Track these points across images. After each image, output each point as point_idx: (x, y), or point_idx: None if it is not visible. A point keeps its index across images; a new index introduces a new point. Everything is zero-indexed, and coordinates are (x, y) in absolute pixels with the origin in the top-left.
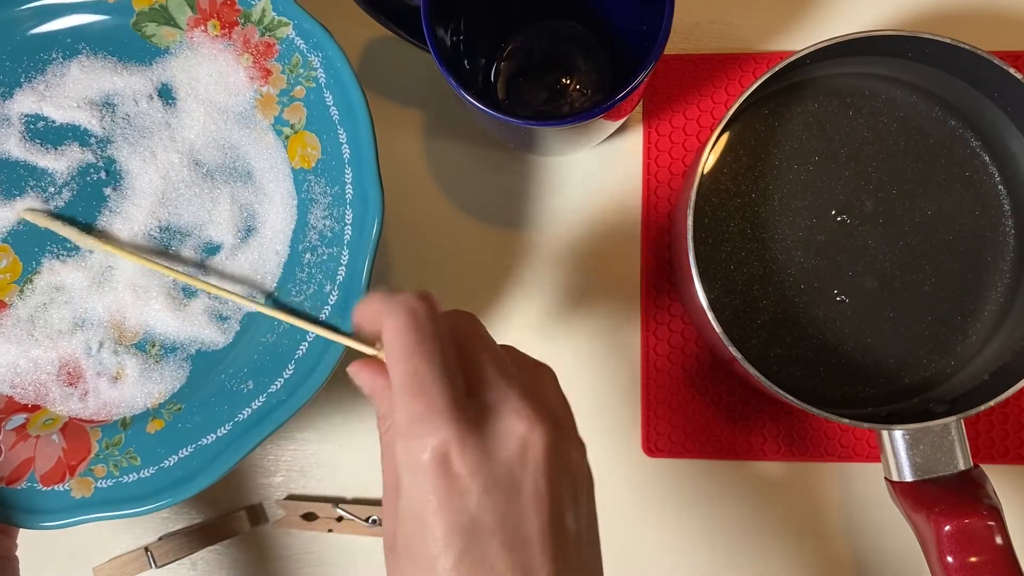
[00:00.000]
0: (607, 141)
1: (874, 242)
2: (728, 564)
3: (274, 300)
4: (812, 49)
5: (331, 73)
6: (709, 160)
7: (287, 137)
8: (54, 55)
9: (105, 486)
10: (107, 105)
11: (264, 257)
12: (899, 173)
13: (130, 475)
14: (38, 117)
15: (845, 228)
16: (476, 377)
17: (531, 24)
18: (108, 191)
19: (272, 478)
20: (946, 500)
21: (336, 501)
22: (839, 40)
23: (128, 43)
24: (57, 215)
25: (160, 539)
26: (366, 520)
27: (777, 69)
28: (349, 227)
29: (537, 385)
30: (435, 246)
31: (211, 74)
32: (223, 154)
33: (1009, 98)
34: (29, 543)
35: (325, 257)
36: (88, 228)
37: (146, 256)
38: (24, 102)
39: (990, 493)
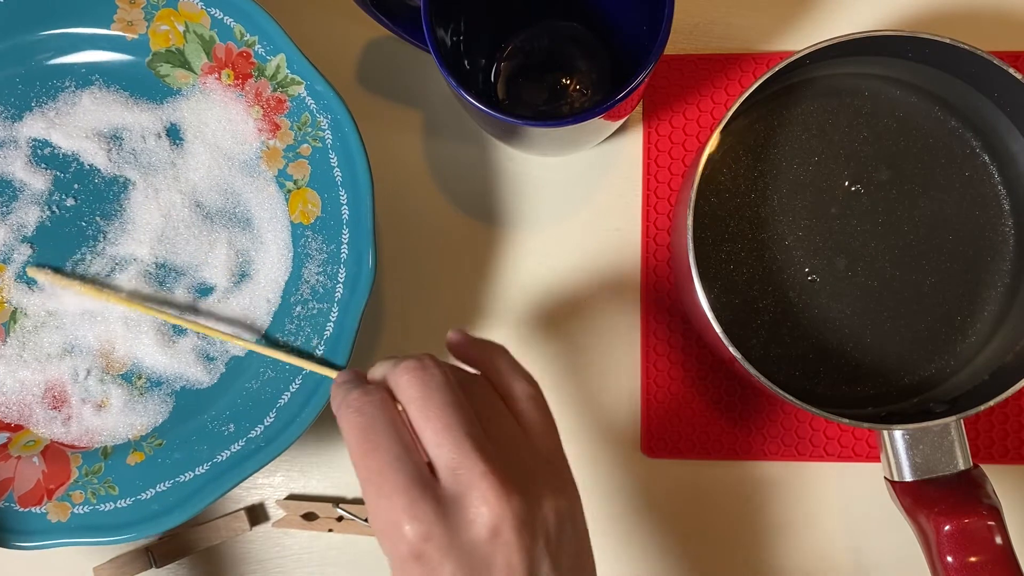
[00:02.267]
0: (607, 141)
1: (874, 242)
2: (728, 564)
3: (264, 343)
4: (812, 49)
5: (338, 135)
6: (709, 160)
7: (289, 191)
8: (67, 83)
9: (82, 512)
10: (115, 138)
11: (255, 303)
12: (899, 173)
13: (107, 504)
14: (45, 143)
15: (845, 228)
16: (438, 453)
17: (531, 24)
18: (106, 223)
19: (272, 478)
20: (946, 500)
21: (336, 501)
22: (839, 40)
23: (141, 80)
24: (60, 271)
25: (160, 539)
26: (366, 520)
27: (777, 69)
28: (341, 285)
29: (518, 417)
30: (434, 246)
31: (220, 120)
32: (224, 199)
33: (1009, 98)
34: None
35: (315, 311)
36: (90, 280)
37: (142, 303)
38: (34, 126)
39: (990, 493)
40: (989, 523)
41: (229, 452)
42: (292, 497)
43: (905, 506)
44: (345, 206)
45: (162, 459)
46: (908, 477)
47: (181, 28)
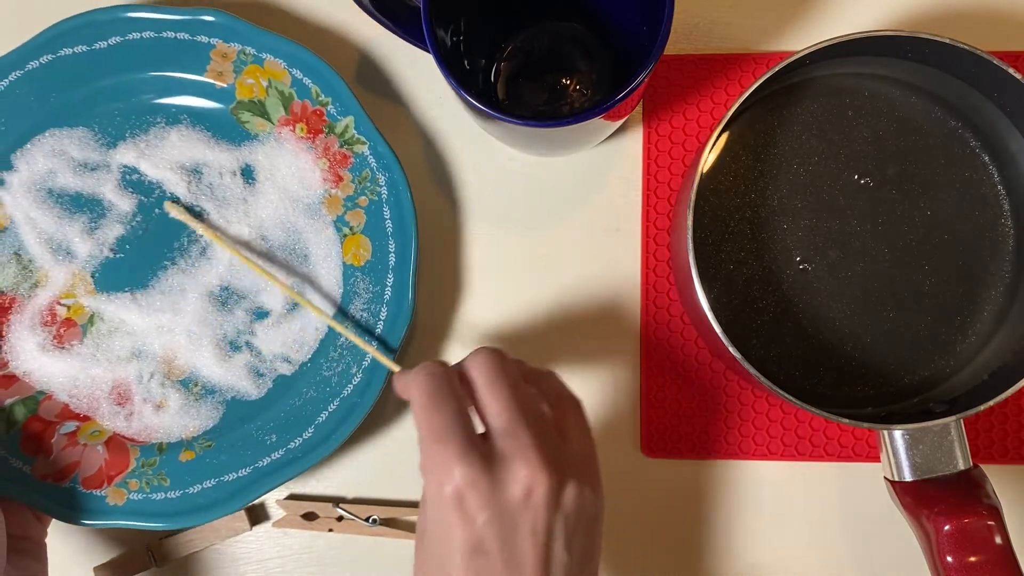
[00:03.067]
0: (607, 141)
1: (874, 242)
2: (728, 564)
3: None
4: (812, 49)
5: (393, 192)
6: (709, 160)
7: (345, 235)
8: (159, 120)
9: (136, 499)
10: (195, 172)
11: (305, 330)
12: (899, 173)
13: (159, 494)
14: (134, 170)
15: (845, 228)
16: (496, 422)
17: (531, 24)
18: (188, 244)
19: None
20: (946, 500)
21: (336, 501)
22: (839, 40)
23: (224, 124)
24: (189, 209)
25: (160, 539)
26: (366, 520)
27: (777, 69)
28: (382, 323)
29: (560, 424)
30: (434, 246)
31: (290, 166)
32: (287, 235)
33: (1009, 98)
34: None
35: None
36: (208, 223)
37: (248, 257)
38: (126, 155)
39: (990, 493)
40: (989, 523)
41: (270, 459)
42: (292, 497)
43: (905, 506)
44: (392, 253)
45: (210, 459)
46: (908, 477)
47: (264, 83)
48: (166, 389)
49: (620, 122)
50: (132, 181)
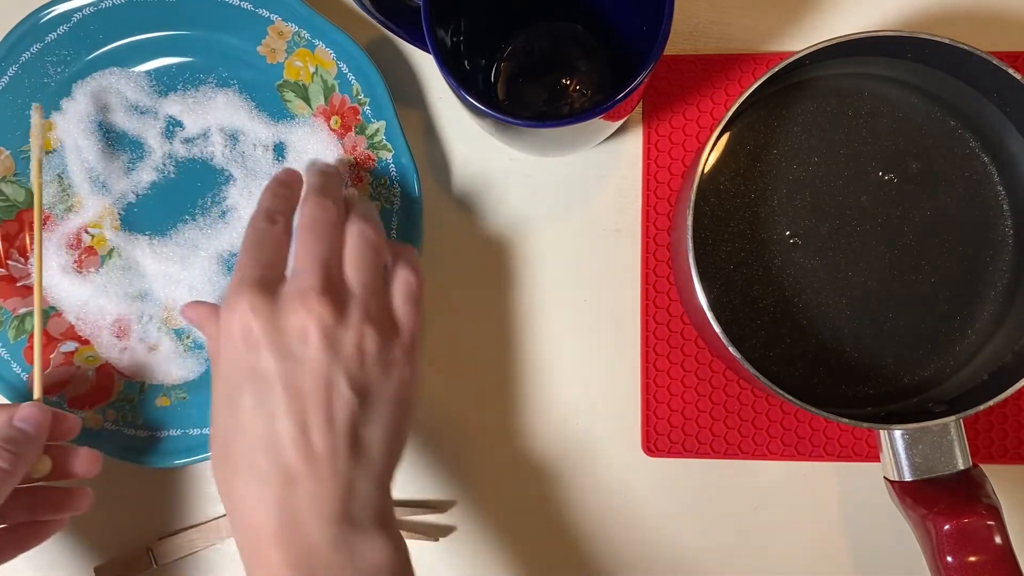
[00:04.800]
0: (607, 141)
1: (874, 242)
2: (728, 564)
3: None
4: (812, 50)
5: (405, 204)
6: (709, 160)
7: None
8: (210, 80)
9: (110, 428)
10: (232, 138)
11: None
12: (899, 173)
13: (129, 429)
14: (178, 122)
15: (844, 228)
16: (296, 264)
17: (531, 24)
18: (203, 203)
19: None
20: (945, 500)
21: None
22: (839, 41)
23: (268, 98)
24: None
25: (161, 539)
26: None
27: (777, 70)
28: None
29: (376, 282)
30: (434, 246)
31: (319, 154)
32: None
33: (1009, 98)
34: None
35: None
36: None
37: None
38: (173, 106)
39: (989, 493)
40: (989, 523)
41: None
42: None
43: (905, 506)
44: None
45: (181, 410)
46: (908, 477)
47: (312, 69)
48: (161, 334)
49: (620, 122)
50: (174, 133)
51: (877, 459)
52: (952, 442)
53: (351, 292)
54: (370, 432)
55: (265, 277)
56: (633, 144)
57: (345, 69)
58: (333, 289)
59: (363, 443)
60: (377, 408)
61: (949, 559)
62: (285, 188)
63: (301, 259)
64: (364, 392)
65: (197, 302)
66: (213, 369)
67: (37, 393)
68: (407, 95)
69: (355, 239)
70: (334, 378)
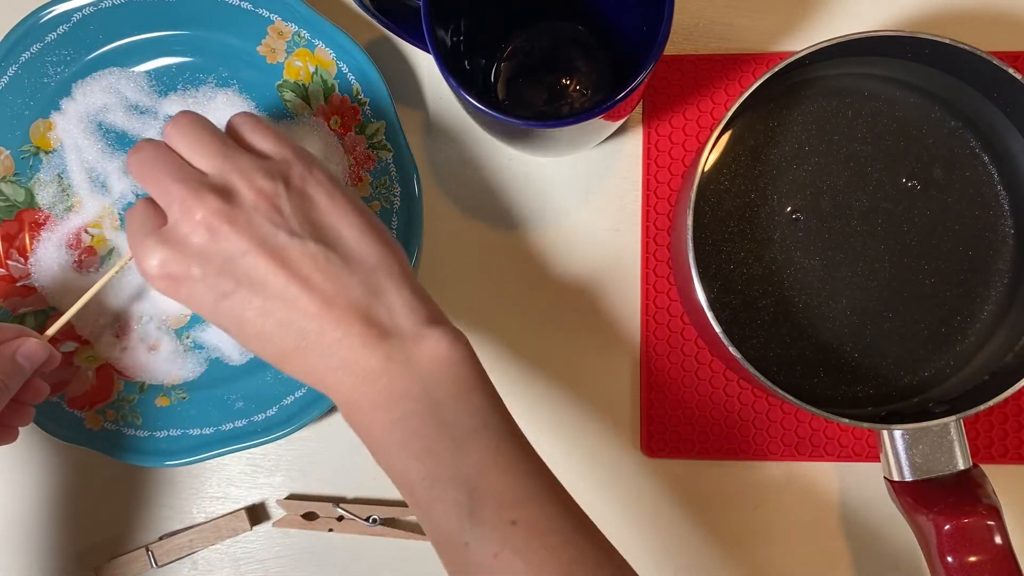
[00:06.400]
0: (607, 141)
1: (874, 242)
2: (728, 564)
3: None
4: (812, 50)
5: (405, 203)
6: (709, 160)
7: None
8: (210, 79)
9: (110, 428)
10: None
11: None
12: (899, 173)
13: (129, 429)
14: None
15: (844, 228)
16: (158, 199)
17: (531, 24)
18: None
19: (272, 477)
20: (946, 500)
21: (336, 501)
22: (839, 41)
23: (267, 98)
24: None
25: (161, 539)
26: (366, 520)
27: (777, 70)
28: None
29: (202, 165)
30: (434, 246)
31: (319, 153)
32: None
33: (1009, 98)
34: (31, 542)
35: None
36: None
37: None
38: (173, 106)
39: (990, 493)
40: (989, 523)
41: (232, 425)
42: (292, 497)
43: (905, 506)
44: None
45: (181, 410)
46: (908, 477)
47: (311, 69)
48: (161, 334)
49: (620, 122)
50: None
51: (877, 459)
52: (952, 442)
53: (215, 172)
54: (341, 251)
55: (146, 230)
56: (633, 144)
57: (345, 69)
58: (196, 184)
59: (344, 266)
60: (329, 226)
61: (949, 559)
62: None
63: (158, 194)
64: (304, 226)
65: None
66: (203, 317)
67: (51, 331)
68: (407, 95)
69: (175, 136)
70: (273, 241)
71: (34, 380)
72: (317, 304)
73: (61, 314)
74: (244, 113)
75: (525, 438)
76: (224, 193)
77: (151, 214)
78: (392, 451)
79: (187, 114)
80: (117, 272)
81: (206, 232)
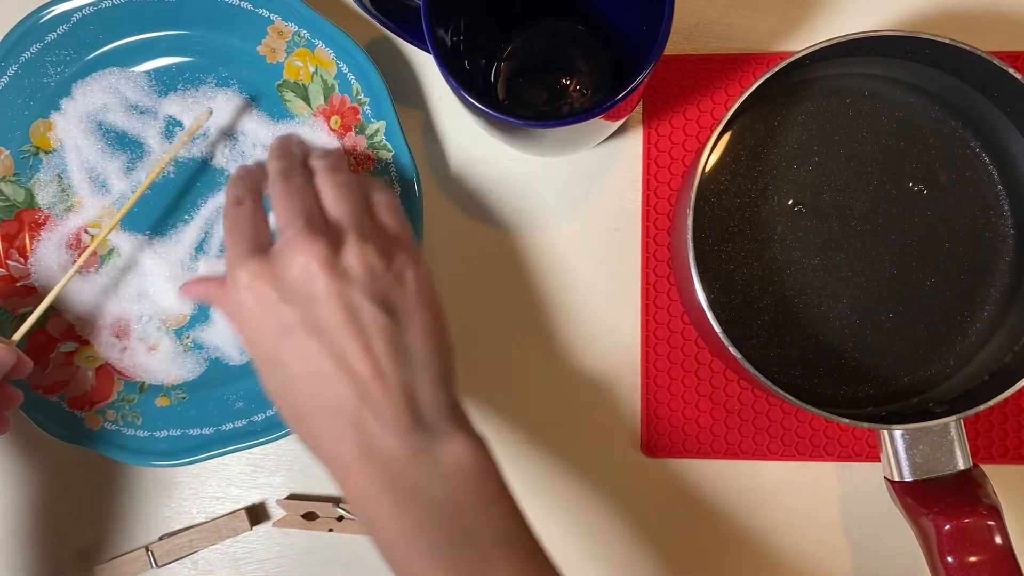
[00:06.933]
0: (607, 141)
1: (873, 242)
2: (728, 564)
3: None
4: (812, 50)
5: (405, 203)
6: (709, 160)
7: None
8: (210, 80)
9: (109, 428)
10: (232, 137)
11: None
12: (899, 173)
13: (129, 429)
14: (178, 122)
15: (845, 228)
16: (280, 224)
17: (531, 24)
18: (202, 203)
19: (273, 477)
20: (946, 500)
21: (337, 501)
22: (839, 41)
23: (268, 98)
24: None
25: (160, 539)
26: None
27: (777, 70)
28: None
29: (331, 211)
30: (434, 246)
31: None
32: None
33: (1009, 98)
34: (31, 542)
35: None
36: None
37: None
38: (172, 106)
39: (990, 493)
40: (989, 523)
41: (232, 425)
42: (292, 497)
43: (905, 506)
44: None
45: (181, 410)
46: (908, 477)
47: (311, 69)
48: (161, 334)
49: (620, 122)
50: (173, 133)
51: (877, 459)
52: (952, 442)
53: (339, 226)
54: (407, 338)
55: (253, 246)
56: (633, 144)
57: (345, 69)
58: (319, 227)
59: (405, 349)
60: (405, 312)
61: (949, 559)
62: (245, 173)
63: (281, 218)
64: (385, 302)
65: (201, 279)
66: (245, 343)
67: (18, 335)
68: (407, 95)
69: (326, 183)
70: (353, 301)
71: (6, 387)
72: (369, 369)
73: (61, 314)
74: (384, 188)
75: (546, 552)
76: (334, 243)
77: (259, 229)
78: (415, 559)
79: (343, 159)
80: (75, 271)
81: (301, 269)
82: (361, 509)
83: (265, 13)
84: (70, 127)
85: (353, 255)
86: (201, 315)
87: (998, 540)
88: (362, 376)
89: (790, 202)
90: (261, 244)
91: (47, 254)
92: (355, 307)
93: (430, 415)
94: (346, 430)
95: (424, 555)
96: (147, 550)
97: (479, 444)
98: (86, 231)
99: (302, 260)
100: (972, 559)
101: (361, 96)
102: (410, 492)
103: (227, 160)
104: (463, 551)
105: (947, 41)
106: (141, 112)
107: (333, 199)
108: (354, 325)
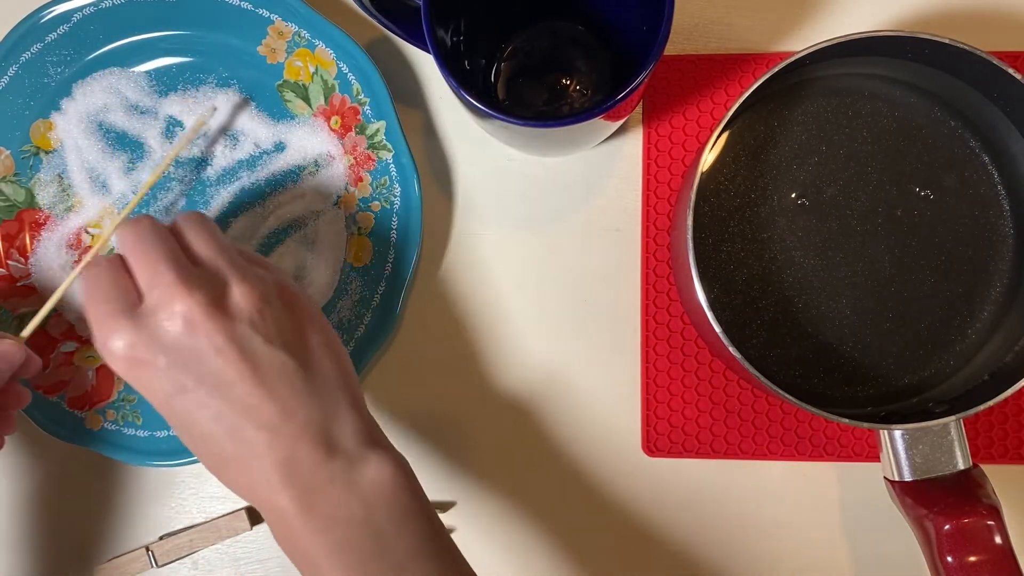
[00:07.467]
0: (607, 141)
1: (873, 242)
2: (728, 564)
3: None
4: (812, 50)
5: (405, 205)
6: (709, 160)
7: (352, 234)
8: (210, 80)
9: (110, 428)
10: (233, 138)
11: None
12: (899, 173)
13: (130, 429)
14: (178, 122)
15: (844, 228)
16: (145, 281)
17: (531, 24)
18: (203, 203)
19: None
20: (946, 500)
21: None
22: (839, 41)
23: (268, 98)
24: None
25: (161, 538)
26: None
27: (777, 70)
28: (364, 327)
29: (200, 255)
30: (434, 246)
31: (320, 154)
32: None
33: (1009, 98)
34: (31, 542)
35: None
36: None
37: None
38: (172, 106)
39: (990, 493)
40: (989, 523)
41: None
42: None
43: (905, 506)
44: (390, 263)
45: None
46: (908, 477)
47: (312, 69)
48: None
49: (620, 122)
50: (174, 133)
51: (877, 459)
52: (952, 442)
53: (212, 265)
54: (310, 371)
55: (120, 307)
56: (633, 144)
57: (345, 69)
58: (189, 273)
59: (309, 384)
60: (303, 344)
61: (949, 559)
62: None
63: (143, 272)
64: (283, 340)
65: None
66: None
67: (27, 331)
68: (407, 95)
69: (187, 224)
70: (249, 346)
71: (15, 386)
72: (277, 415)
73: (61, 313)
74: (206, 218)
75: (466, 564)
76: (213, 288)
77: (123, 287)
78: (336, 574)
79: (198, 213)
80: (81, 270)
81: (184, 324)
82: (280, 533)
83: (265, 13)
84: (70, 127)
85: (239, 294)
86: None
87: (998, 540)
88: (271, 422)
89: (792, 195)
90: (129, 303)
91: (47, 254)
92: (252, 353)
93: (345, 441)
94: (264, 474)
95: (344, 572)
96: (147, 550)
97: (396, 462)
98: (86, 231)
99: (179, 312)
100: (972, 559)
101: (361, 96)
102: (330, 518)
103: (227, 160)
104: (381, 567)
105: (947, 41)
106: (141, 112)
107: (196, 236)
108: (254, 375)
